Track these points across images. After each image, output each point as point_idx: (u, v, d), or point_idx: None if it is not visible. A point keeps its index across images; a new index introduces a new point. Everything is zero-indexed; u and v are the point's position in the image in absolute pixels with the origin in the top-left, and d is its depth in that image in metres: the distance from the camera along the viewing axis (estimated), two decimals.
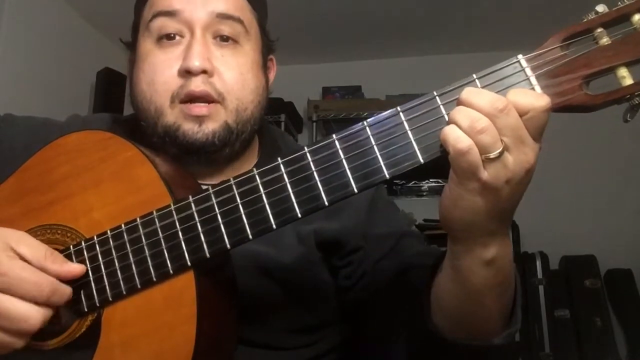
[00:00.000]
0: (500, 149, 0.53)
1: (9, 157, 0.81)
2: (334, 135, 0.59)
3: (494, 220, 0.58)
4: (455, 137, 0.53)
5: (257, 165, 0.62)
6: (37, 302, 0.61)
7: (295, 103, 3.58)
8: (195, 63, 0.76)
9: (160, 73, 0.79)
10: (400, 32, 3.37)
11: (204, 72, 0.78)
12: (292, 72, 3.41)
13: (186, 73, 0.77)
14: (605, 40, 0.54)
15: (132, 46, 0.88)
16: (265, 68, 0.88)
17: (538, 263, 3.06)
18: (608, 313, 3.02)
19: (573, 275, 3.11)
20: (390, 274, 0.82)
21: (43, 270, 0.63)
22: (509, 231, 0.62)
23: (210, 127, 0.79)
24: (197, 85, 0.77)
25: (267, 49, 0.90)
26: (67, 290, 0.64)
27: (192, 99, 0.78)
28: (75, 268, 0.65)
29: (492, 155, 0.53)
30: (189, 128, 0.78)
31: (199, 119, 0.78)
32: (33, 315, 0.61)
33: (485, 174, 0.54)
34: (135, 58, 0.84)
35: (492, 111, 0.53)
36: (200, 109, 0.78)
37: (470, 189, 0.55)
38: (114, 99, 2.94)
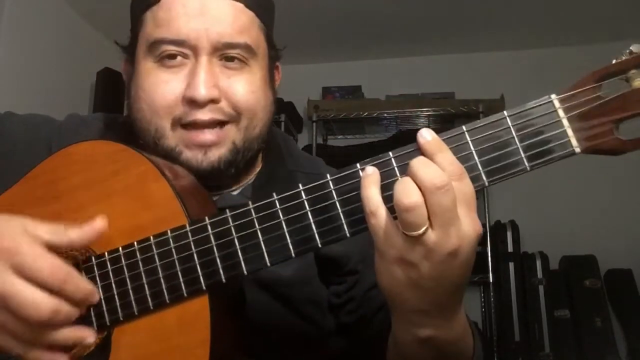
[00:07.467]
0: (423, 229, 0.51)
1: (10, 154, 0.80)
2: (357, 165, 0.58)
3: (423, 300, 0.56)
4: (371, 203, 0.54)
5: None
6: (50, 288, 0.58)
7: (295, 103, 3.58)
8: (202, 92, 0.73)
9: (161, 95, 0.76)
10: (400, 32, 3.36)
11: (211, 101, 0.75)
12: (292, 72, 3.38)
13: (191, 102, 0.75)
14: (639, 82, 0.53)
15: (129, 53, 0.84)
16: (272, 82, 0.85)
17: (538, 263, 3.07)
18: (608, 313, 3.02)
19: (573, 275, 3.11)
20: (377, 304, 0.80)
21: (68, 246, 0.61)
22: (454, 316, 0.60)
23: (217, 153, 0.76)
24: (204, 114, 0.75)
25: (274, 60, 0.87)
26: (82, 282, 0.61)
27: (198, 127, 0.76)
28: (98, 224, 0.63)
29: (411, 234, 0.52)
30: (192, 156, 0.76)
31: (204, 147, 0.76)
32: (43, 303, 0.58)
33: (399, 244, 0.53)
34: (134, 71, 0.81)
35: (430, 187, 0.51)
36: (205, 136, 0.76)
37: (388, 258, 0.55)
38: (114, 99, 2.93)
